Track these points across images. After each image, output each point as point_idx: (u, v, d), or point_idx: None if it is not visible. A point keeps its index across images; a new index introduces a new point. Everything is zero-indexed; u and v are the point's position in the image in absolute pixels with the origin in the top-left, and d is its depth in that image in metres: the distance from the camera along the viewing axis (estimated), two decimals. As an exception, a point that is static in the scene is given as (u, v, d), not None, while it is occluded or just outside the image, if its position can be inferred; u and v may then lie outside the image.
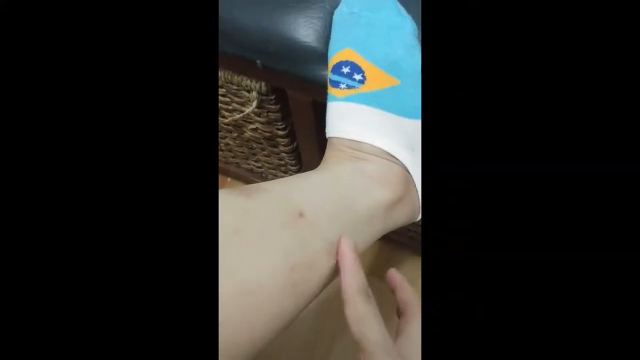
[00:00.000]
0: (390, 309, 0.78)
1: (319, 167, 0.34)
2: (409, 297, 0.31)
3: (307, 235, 0.27)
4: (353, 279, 0.27)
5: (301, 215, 0.27)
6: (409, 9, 0.33)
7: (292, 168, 0.64)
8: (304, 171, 0.64)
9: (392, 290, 0.32)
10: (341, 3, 0.35)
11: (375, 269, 0.75)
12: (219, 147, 0.68)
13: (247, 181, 0.81)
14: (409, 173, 0.34)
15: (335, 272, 0.28)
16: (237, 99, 0.50)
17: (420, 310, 0.29)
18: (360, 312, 0.26)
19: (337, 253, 0.28)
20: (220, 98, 0.51)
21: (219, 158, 0.74)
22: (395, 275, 0.32)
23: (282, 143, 0.57)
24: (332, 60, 0.34)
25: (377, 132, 0.32)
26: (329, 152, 0.34)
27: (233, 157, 0.71)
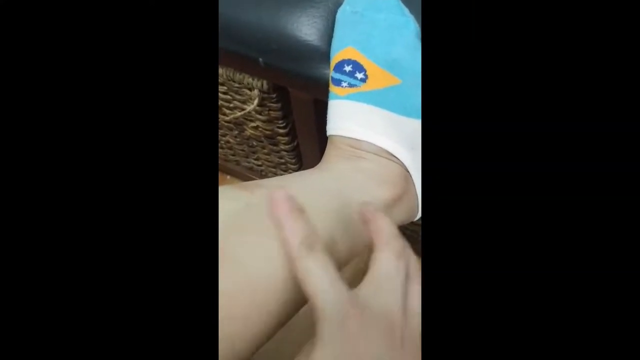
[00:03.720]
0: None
1: (318, 165, 0.34)
2: (380, 226, 0.26)
3: None
4: (291, 232, 0.24)
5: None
6: (411, 10, 0.34)
7: (292, 167, 0.64)
8: (304, 170, 0.65)
9: (364, 222, 0.28)
10: (344, 2, 0.35)
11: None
12: (219, 144, 0.68)
13: (246, 179, 0.81)
14: (409, 172, 0.34)
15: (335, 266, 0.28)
16: (238, 97, 0.50)
17: (391, 244, 0.26)
18: (304, 267, 0.23)
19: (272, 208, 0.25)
20: (222, 96, 0.51)
21: (219, 156, 0.74)
22: (369, 208, 0.28)
23: (283, 141, 0.57)
24: (335, 59, 0.34)
25: (378, 130, 0.32)
26: (329, 150, 0.34)
27: (233, 155, 0.71)
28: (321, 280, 0.23)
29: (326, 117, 0.35)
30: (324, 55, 0.38)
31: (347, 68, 0.33)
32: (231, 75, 0.47)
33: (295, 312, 0.27)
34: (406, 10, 0.33)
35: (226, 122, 0.57)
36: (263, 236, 0.25)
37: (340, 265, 0.29)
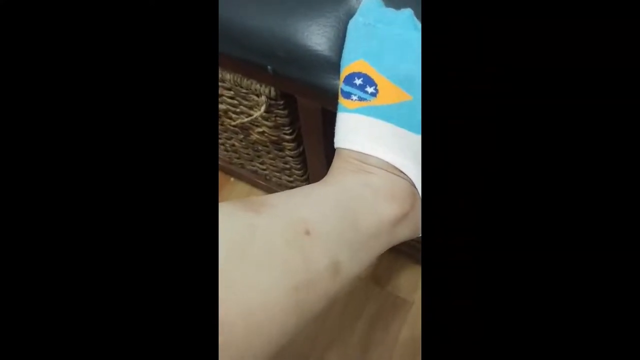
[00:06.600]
0: (390, 318, 0.77)
1: (325, 178, 0.34)
2: None
3: (312, 254, 0.26)
4: None
5: (307, 233, 0.27)
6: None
7: (296, 172, 0.64)
8: (308, 175, 0.64)
9: None
10: (357, 13, 0.34)
11: (377, 277, 0.75)
12: (225, 147, 0.68)
13: (250, 182, 0.80)
14: (416, 188, 0.33)
15: (338, 290, 0.28)
16: (245, 102, 0.50)
17: None
18: None
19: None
20: (229, 100, 0.51)
21: (224, 158, 0.73)
22: None
23: (288, 147, 0.57)
24: (345, 71, 0.33)
25: (387, 146, 0.32)
26: (336, 163, 0.34)
27: (238, 158, 0.71)
28: None
29: (333, 126, 0.35)
30: (334, 65, 0.37)
31: (358, 81, 0.32)
32: (239, 81, 0.46)
33: (295, 336, 0.27)
34: (419, 25, 0.32)
35: (232, 126, 0.56)
36: (267, 260, 0.25)
37: (340, 290, 0.29)
